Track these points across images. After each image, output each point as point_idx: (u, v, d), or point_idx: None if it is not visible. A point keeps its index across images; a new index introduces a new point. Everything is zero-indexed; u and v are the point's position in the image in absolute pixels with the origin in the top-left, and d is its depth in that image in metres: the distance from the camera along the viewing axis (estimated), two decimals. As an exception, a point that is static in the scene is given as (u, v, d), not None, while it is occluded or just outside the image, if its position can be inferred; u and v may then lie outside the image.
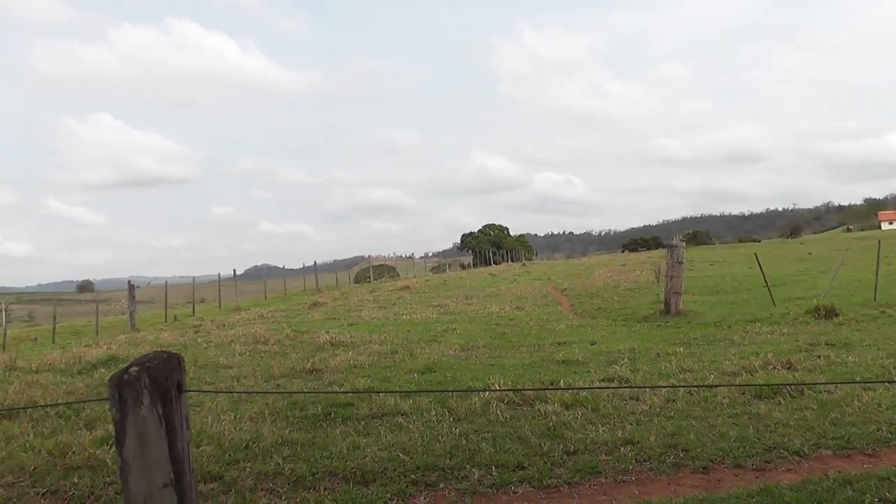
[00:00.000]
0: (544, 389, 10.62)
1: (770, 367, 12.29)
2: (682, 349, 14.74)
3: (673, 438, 8.52)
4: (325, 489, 7.70)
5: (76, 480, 8.50)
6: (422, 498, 7.47)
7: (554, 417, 9.47)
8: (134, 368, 2.82)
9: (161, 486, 2.80)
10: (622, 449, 8.27)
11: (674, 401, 10.13)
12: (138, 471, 2.79)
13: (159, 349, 3.12)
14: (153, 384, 2.80)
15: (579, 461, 7.98)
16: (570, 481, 7.56)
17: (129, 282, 35.14)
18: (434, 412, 9.92)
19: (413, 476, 7.85)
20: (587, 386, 11.34)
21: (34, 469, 8.93)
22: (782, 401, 9.94)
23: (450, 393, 10.66)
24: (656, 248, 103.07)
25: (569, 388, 10.86)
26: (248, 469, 8.22)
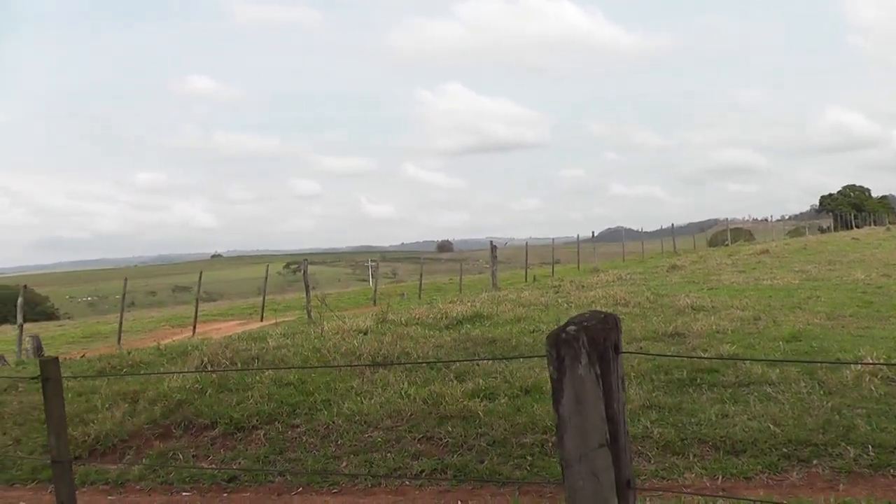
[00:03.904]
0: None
1: None
2: None
3: None
4: (695, 456, 7.63)
5: (450, 429, 8.93)
6: (794, 473, 7.25)
7: (935, 398, 8.80)
8: (572, 328, 2.86)
9: (596, 445, 2.84)
10: None
11: None
12: (574, 429, 2.84)
13: (594, 311, 3.15)
14: (591, 344, 2.83)
15: (966, 449, 7.40)
16: (957, 471, 7.04)
17: (490, 242, 36.21)
18: (803, 383, 9.50)
19: (784, 450, 7.62)
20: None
21: (410, 415, 9.48)
22: None
23: (818, 364, 10.18)
24: None
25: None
26: (617, 431, 8.28)
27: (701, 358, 10.66)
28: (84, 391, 12.02)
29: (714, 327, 13.65)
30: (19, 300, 24.18)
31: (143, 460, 9.68)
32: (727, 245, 61.75)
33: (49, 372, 6.07)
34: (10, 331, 37.22)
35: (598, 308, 17.07)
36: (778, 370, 9.96)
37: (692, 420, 8.43)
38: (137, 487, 9.06)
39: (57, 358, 6.36)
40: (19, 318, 23.70)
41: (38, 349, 21.54)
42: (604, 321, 2.94)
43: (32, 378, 7.30)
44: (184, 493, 8.71)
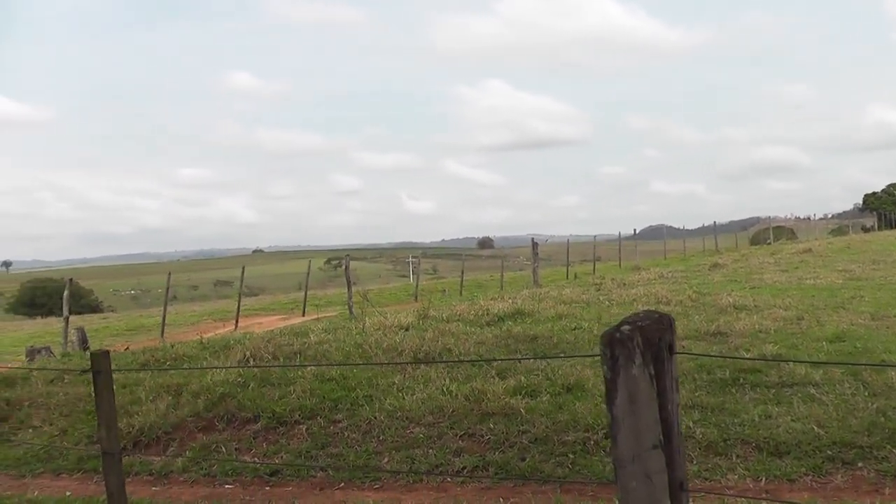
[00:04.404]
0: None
1: None
2: None
3: None
4: (737, 457, 7.60)
5: (491, 426, 8.94)
6: (839, 476, 7.19)
7: (982, 401, 8.67)
8: (626, 327, 2.85)
9: (650, 446, 2.83)
10: None
11: None
12: (627, 430, 2.84)
13: (650, 309, 3.15)
14: (645, 343, 2.82)
15: None
16: None
17: (532, 239, 36.21)
18: (847, 385, 9.39)
19: (829, 452, 7.56)
20: None
21: (452, 412, 9.50)
22: None
23: (862, 365, 10.07)
24: None
25: None
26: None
27: (744, 358, 10.60)
28: (128, 383, 12.16)
29: (756, 327, 13.53)
30: (65, 293, 24.47)
31: (187, 452, 9.79)
32: (769, 243, 61.16)
33: (100, 365, 6.17)
34: (55, 323, 37.75)
35: (640, 306, 17.01)
36: (822, 371, 9.85)
37: (735, 420, 8.38)
38: (181, 479, 9.18)
39: (108, 351, 6.45)
40: (65, 311, 23.99)
41: (83, 341, 21.80)
42: (658, 321, 2.93)
43: (84, 371, 7.40)
44: (226, 486, 8.80)
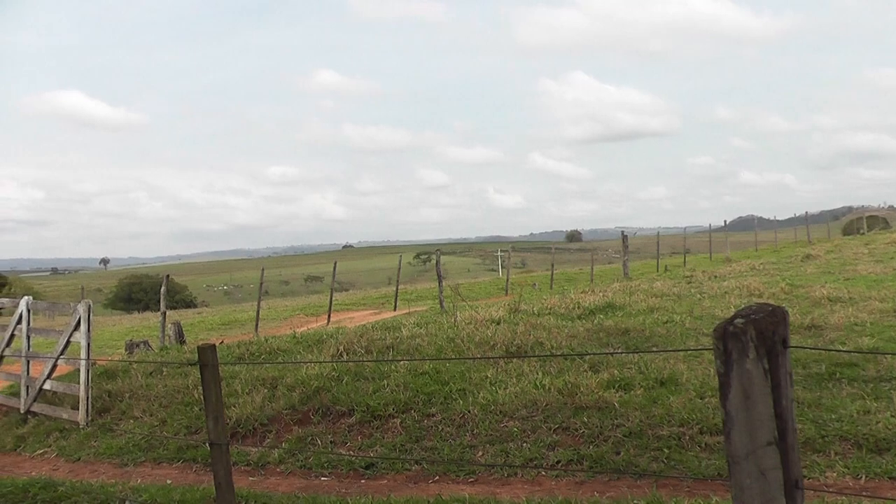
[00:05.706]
0: None
1: None
2: None
3: None
4: (836, 453, 7.46)
5: (585, 420, 8.92)
6: (938, 472, 7.02)
7: None
8: (739, 320, 2.85)
9: (764, 443, 2.82)
10: None
11: None
12: (741, 425, 2.83)
13: (763, 302, 3.14)
14: (759, 337, 2.80)
15: None
16: None
17: (622, 232, 36.18)
18: (948, 378, 9.18)
19: (931, 448, 7.38)
20: None
21: (545, 405, 9.50)
22: None
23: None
24: None
25: None
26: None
27: (840, 351, 10.41)
28: (224, 376, 12.38)
29: (852, 319, 13.25)
30: (162, 289, 24.93)
31: (283, 444, 9.97)
32: (863, 233, 59.74)
33: (207, 358, 6.33)
34: (152, 317, 38.60)
35: (732, 299, 16.80)
36: (922, 365, 9.64)
37: (832, 416, 8.22)
38: (277, 470, 9.35)
39: (214, 345, 6.60)
40: (162, 306, 24.44)
41: (179, 335, 22.22)
42: (772, 314, 2.92)
43: (188, 363, 7.60)
44: (322, 478, 8.93)
